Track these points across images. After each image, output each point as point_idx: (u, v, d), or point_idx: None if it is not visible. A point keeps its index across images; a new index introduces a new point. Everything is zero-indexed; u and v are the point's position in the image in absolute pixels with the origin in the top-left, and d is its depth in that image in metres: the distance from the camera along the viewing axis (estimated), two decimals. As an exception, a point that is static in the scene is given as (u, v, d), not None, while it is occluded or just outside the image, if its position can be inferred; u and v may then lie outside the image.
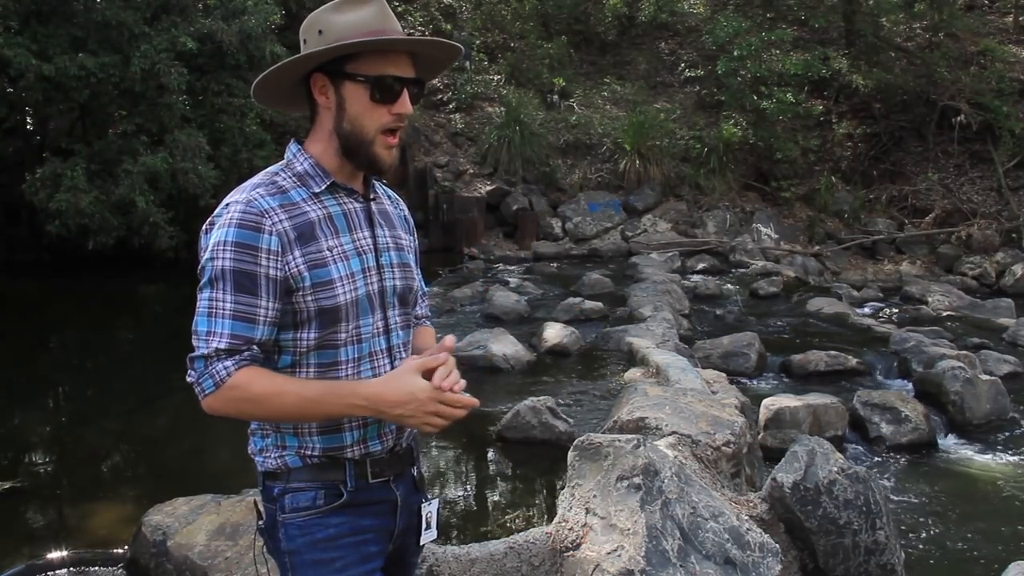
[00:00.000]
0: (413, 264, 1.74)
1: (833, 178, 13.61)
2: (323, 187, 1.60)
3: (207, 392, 1.49)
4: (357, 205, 1.65)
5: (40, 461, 5.20)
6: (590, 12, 17.26)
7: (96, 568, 3.48)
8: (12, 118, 10.16)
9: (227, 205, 1.54)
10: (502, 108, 14.05)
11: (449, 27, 16.16)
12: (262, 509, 1.65)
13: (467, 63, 15.21)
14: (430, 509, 1.76)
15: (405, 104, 1.58)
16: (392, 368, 1.64)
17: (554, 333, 6.82)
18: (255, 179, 1.60)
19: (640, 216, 12.98)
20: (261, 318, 1.51)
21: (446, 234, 12.59)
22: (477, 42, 16.03)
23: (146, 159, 9.23)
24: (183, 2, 10.18)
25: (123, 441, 5.51)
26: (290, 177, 1.60)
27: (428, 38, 1.63)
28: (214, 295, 1.50)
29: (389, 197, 1.81)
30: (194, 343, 1.52)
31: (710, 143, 13.61)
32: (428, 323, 1.92)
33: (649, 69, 16.36)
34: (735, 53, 13.05)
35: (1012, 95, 13.22)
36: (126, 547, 3.49)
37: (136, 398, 6.29)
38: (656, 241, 12.30)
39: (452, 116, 14.58)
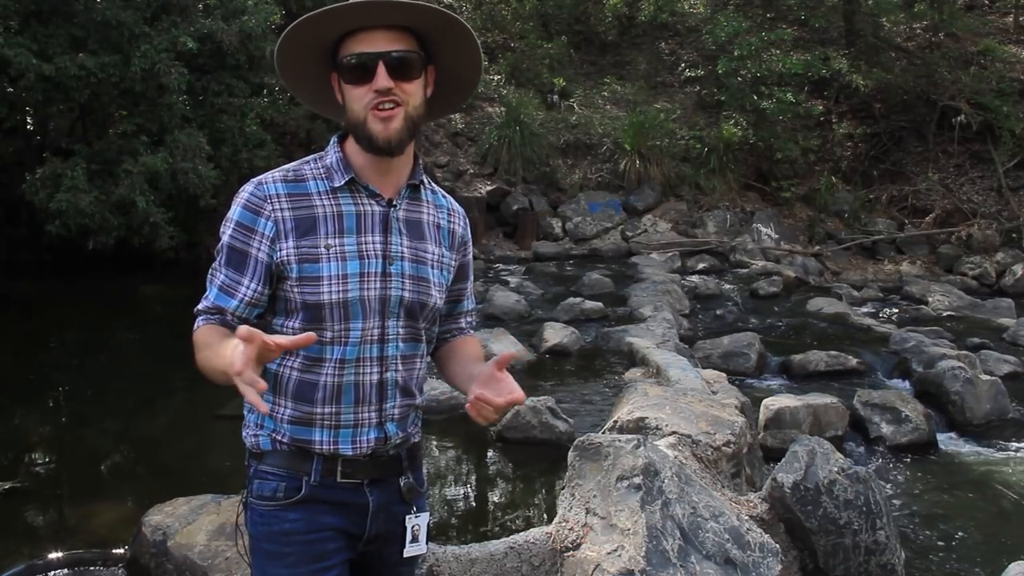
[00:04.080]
0: (436, 279, 1.66)
1: (833, 178, 13.62)
2: (342, 182, 1.59)
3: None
4: (376, 208, 1.60)
5: (40, 461, 5.19)
6: (590, 12, 17.27)
7: (96, 568, 3.47)
8: (12, 118, 10.15)
9: (244, 185, 1.62)
10: (502, 108, 14.05)
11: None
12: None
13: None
14: (417, 522, 1.69)
15: (381, 79, 1.50)
16: (382, 377, 1.61)
17: (554, 333, 6.82)
18: (288, 164, 1.66)
19: (640, 216, 12.98)
20: (239, 295, 1.57)
21: None
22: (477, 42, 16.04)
23: (146, 159, 9.22)
24: (183, 2, 10.17)
25: (123, 441, 5.51)
26: (318, 167, 1.63)
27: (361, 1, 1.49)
28: (215, 265, 1.61)
29: (439, 207, 1.73)
30: None
31: (710, 143, 13.61)
32: (471, 332, 1.86)
33: (649, 69, 16.36)
34: (735, 53, 13.06)
35: (1012, 95, 13.22)
36: (126, 547, 3.49)
37: (136, 398, 6.28)
38: (656, 241, 12.30)
39: (452, 116, 14.58)
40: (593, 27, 17.27)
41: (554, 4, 16.94)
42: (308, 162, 1.64)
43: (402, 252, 1.61)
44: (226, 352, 1.39)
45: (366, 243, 1.58)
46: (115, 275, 10.07)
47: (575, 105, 15.01)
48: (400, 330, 1.62)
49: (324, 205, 1.58)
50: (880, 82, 13.88)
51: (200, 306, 1.60)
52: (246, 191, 1.59)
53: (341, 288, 1.55)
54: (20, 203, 9.69)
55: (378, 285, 1.58)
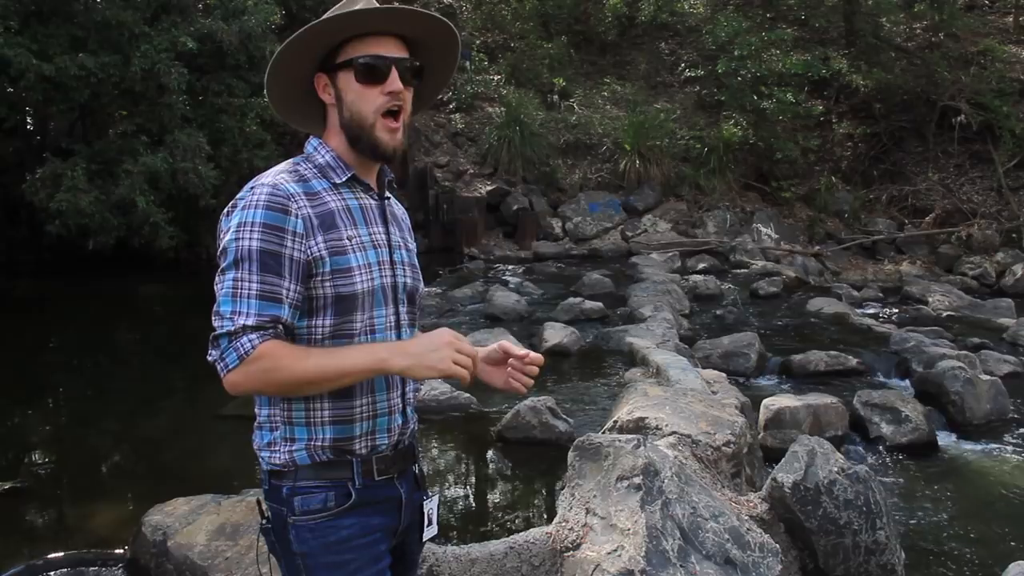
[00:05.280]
0: (418, 266, 1.80)
1: (833, 178, 13.63)
2: (344, 179, 1.64)
3: (231, 367, 1.48)
4: (373, 202, 1.69)
5: (40, 461, 5.20)
6: (590, 12, 17.27)
7: (96, 568, 3.48)
8: (12, 118, 10.17)
9: (252, 188, 1.56)
10: (502, 108, 14.05)
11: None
12: (266, 509, 1.65)
13: (467, 63, 15.22)
14: (431, 506, 1.79)
15: (395, 82, 1.60)
16: None
17: (554, 333, 6.82)
18: (277, 168, 1.63)
19: (640, 216, 12.98)
20: (286, 299, 1.52)
21: (446, 234, 12.58)
22: (477, 42, 16.04)
23: (146, 159, 9.23)
24: (183, 2, 10.18)
25: (123, 441, 5.51)
26: (311, 168, 1.64)
27: (391, 6, 1.63)
28: (239, 275, 1.50)
29: (397, 203, 1.85)
30: (216, 323, 1.51)
31: (710, 143, 13.62)
32: None
33: (649, 69, 16.36)
34: (735, 53, 13.06)
35: (1012, 95, 13.23)
36: (126, 547, 3.49)
37: (136, 398, 6.29)
38: (656, 241, 12.30)
39: (452, 116, 14.58)
40: (593, 27, 17.26)
41: (554, 4, 16.94)
42: (298, 164, 1.64)
43: (399, 242, 1.72)
44: (362, 353, 1.54)
45: (375, 234, 1.66)
46: (115, 275, 10.07)
47: (575, 105, 15.01)
48: (406, 315, 1.71)
49: (333, 200, 1.61)
50: (880, 82, 13.88)
51: (247, 322, 1.47)
52: (262, 193, 1.54)
53: (368, 277, 1.60)
54: (20, 203, 9.71)
55: (389, 273, 1.66)
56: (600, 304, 8.15)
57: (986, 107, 13.05)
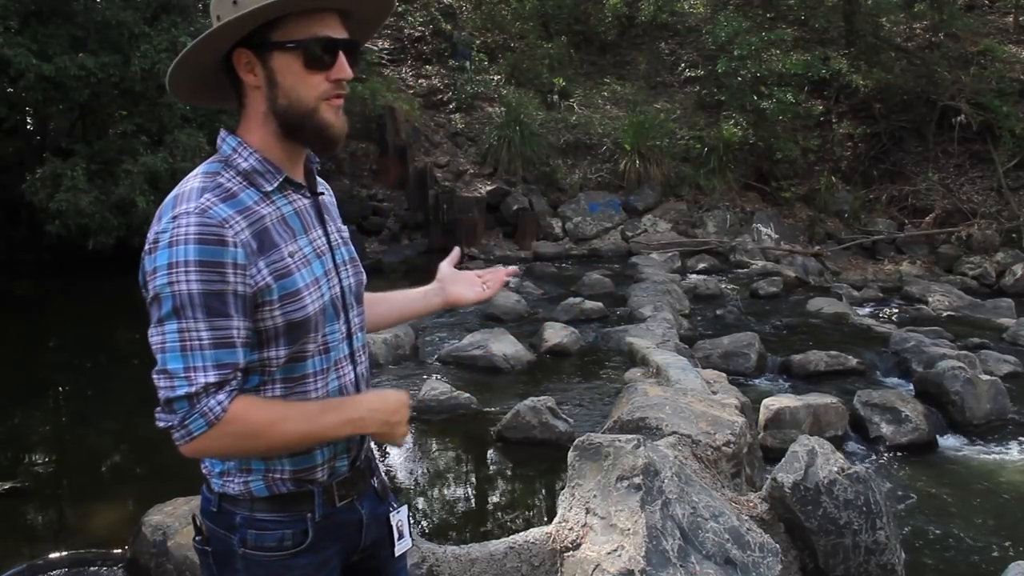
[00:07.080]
0: (357, 255, 1.63)
1: (833, 178, 13.62)
2: (275, 184, 1.42)
3: (196, 434, 1.31)
4: (306, 201, 1.49)
5: (40, 461, 5.20)
6: (590, 12, 17.27)
7: (96, 568, 3.48)
8: (12, 118, 10.16)
9: (174, 218, 1.32)
10: (502, 108, 14.05)
11: (449, 27, 16.20)
12: (205, 528, 1.52)
13: (467, 63, 15.23)
14: (399, 518, 1.65)
15: (344, 68, 1.40)
16: (355, 373, 1.55)
17: (554, 333, 6.82)
18: (195, 183, 1.37)
19: (640, 216, 12.98)
20: (240, 340, 1.33)
21: (446, 234, 12.57)
22: (477, 42, 16.03)
23: (146, 159, 9.23)
24: (183, 2, 10.18)
25: (123, 441, 5.51)
26: (234, 177, 1.39)
27: None
28: (184, 324, 1.30)
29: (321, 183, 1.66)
30: (164, 384, 1.31)
31: (710, 143, 13.62)
32: None
33: (649, 69, 16.36)
34: (735, 53, 13.06)
35: (1012, 95, 13.22)
36: (126, 547, 3.50)
37: (136, 398, 6.28)
38: (656, 241, 12.30)
39: (452, 116, 14.58)
40: (593, 27, 17.26)
41: (554, 4, 16.94)
42: (218, 175, 1.39)
43: (338, 239, 1.55)
44: (338, 418, 1.43)
45: (315, 240, 1.48)
46: (115, 275, 10.06)
47: (575, 105, 15.01)
48: (357, 319, 1.56)
49: (267, 213, 1.39)
50: (880, 82, 13.88)
51: (209, 379, 1.29)
52: (190, 224, 1.30)
53: (318, 295, 1.43)
54: (20, 203, 9.70)
55: (336, 281, 1.50)
56: (600, 304, 8.16)
57: (986, 107, 13.04)
